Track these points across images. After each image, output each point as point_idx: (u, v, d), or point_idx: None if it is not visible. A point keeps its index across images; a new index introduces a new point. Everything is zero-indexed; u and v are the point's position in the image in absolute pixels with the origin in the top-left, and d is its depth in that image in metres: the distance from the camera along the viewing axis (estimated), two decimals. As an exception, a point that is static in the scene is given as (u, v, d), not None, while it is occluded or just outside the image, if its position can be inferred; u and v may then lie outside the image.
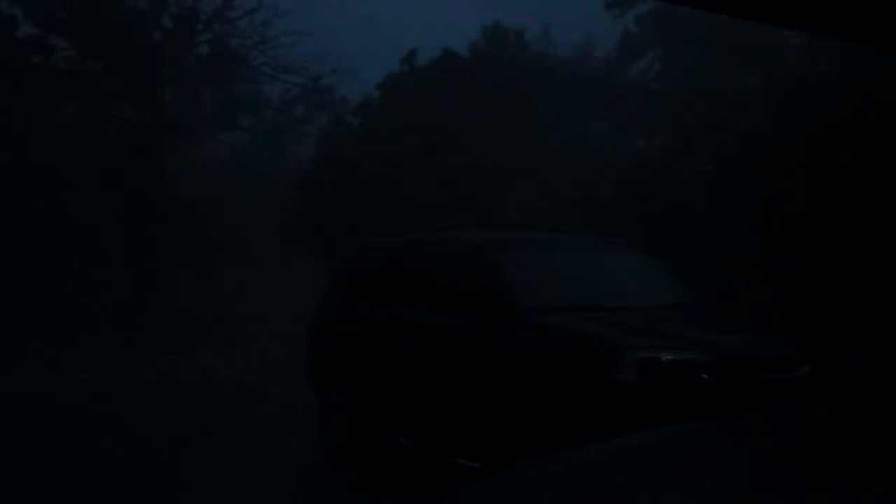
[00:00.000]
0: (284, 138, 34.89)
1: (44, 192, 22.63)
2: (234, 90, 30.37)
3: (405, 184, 22.56)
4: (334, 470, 8.71)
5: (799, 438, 2.45)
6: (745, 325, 7.93)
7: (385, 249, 9.52)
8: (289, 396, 10.92)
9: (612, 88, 23.33)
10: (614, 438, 2.78)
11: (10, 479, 8.04)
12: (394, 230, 15.02)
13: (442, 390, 7.42)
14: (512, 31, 26.53)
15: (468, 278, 7.45)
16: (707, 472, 2.26)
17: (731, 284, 13.99)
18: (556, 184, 20.06)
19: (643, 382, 6.02)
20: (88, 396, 12.33)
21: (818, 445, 2.36)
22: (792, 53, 16.97)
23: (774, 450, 2.36)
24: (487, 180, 21.15)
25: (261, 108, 31.79)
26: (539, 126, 22.39)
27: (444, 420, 7.41)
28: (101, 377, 13.87)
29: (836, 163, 14.19)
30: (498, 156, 21.44)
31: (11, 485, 7.90)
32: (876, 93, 13.86)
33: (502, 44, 26.22)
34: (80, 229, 23.20)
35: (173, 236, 25.16)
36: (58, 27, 25.73)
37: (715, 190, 17.63)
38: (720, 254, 15.47)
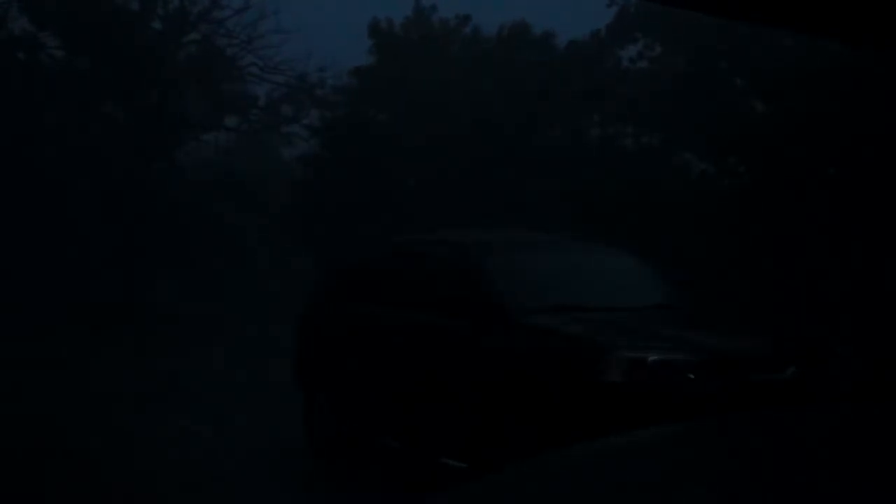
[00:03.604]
0: (271, 138, 34.82)
1: (31, 192, 22.53)
2: (221, 90, 30.28)
3: (397, 181, 22.56)
4: (321, 470, 8.69)
5: (787, 438, 2.45)
6: (733, 325, 7.96)
7: (373, 249, 9.54)
8: (279, 395, 10.89)
9: (602, 82, 23.21)
10: (601, 439, 2.78)
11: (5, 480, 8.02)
12: (386, 230, 15.00)
13: (429, 390, 7.42)
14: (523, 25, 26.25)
15: (455, 279, 7.46)
16: (696, 473, 2.26)
17: (718, 284, 14.01)
18: (547, 180, 20.04)
19: (630, 382, 6.03)
20: (78, 395, 12.31)
21: (807, 445, 2.36)
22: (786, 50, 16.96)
23: (763, 450, 2.35)
24: (481, 175, 21.08)
25: (247, 108, 31.71)
26: (532, 119, 22.27)
27: (431, 420, 7.41)
28: (92, 377, 13.82)
29: (829, 160, 14.24)
30: (493, 150, 21.34)
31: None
32: (873, 88, 13.89)
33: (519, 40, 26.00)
34: (66, 229, 23.11)
35: (161, 236, 25.09)
36: (49, 24, 25.65)
37: (703, 188, 17.67)
38: (708, 253, 15.50)
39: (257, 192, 27.87)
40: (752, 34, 17.25)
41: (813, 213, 14.37)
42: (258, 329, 18.42)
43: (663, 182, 18.31)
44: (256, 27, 29.64)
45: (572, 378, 6.20)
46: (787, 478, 2.07)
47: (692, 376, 6.10)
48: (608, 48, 25.06)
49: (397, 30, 26.97)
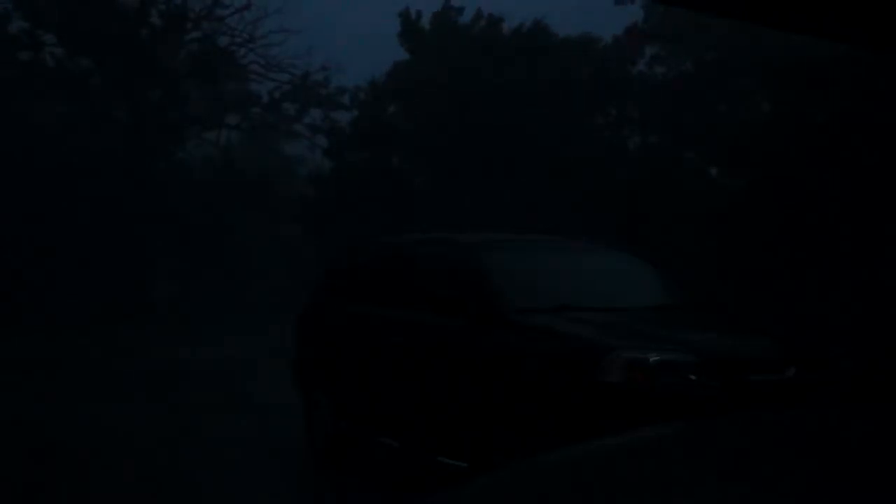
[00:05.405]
0: (274, 136, 34.86)
1: (33, 191, 22.55)
2: (223, 88, 30.32)
3: (415, 179, 22.57)
4: (319, 470, 8.70)
5: (787, 438, 2.45)
6: (733, 325, 7.94)
7: (371, 248, 9.54)
8: (276, 396, 10.92)
9: (612, 83, 23.16)
10: (600, 439, 2.77)
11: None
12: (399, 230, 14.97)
13: (427, 390, 7.42)
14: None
15: (453, 278, 7.45)
16: (696, 473, 2.26)
17: (719, 284, 14.02)
18: (551, 181, 20.04)
19: (629, 383, 6.01)
20: (80, 394, 12.37)
21: (807, 445, 2.36)
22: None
23: (763, 450, 2.35)
24: (497, 175, 21.03)
25: (249, 107, 31.76)
26: (542, 119, 22.19)
27: (430, 419, 7.41)
28: (94, 375, 13.88)
29: (833, 161, 14.23)
30: (509, 150, 21.26)
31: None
32: (876, 89, 13.87)
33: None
34: (69, 228, 23.13)
35: (163, 235, 25.12)
36: (47, 23, 25.66)
37: (706, 188, 17.67)
38: (710, 253, 15.50)
39: (261, 189, 27.94)
40: (759, 36, 17.25)
41: (815, 213, 14.37)
42: (261, 327, 18.46)
43: (667, 183, 18.32)
44: (258, 26, 29.69)
45: (572, 378, 6.18)
46: (787, 478, 2.07)
47: (693, 377, 6.08)
48: (619, 53, 25.05)
49: (426, 25, 26.72)
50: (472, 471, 6.36)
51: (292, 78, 30.75)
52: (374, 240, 10.21)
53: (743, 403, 5.90)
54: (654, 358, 6.11)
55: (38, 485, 7.87)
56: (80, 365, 14.82)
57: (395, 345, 7.86)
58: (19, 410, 10.98)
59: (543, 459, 2.68)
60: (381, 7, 27.85)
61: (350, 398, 8.57)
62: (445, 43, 25.41)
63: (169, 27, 27.63)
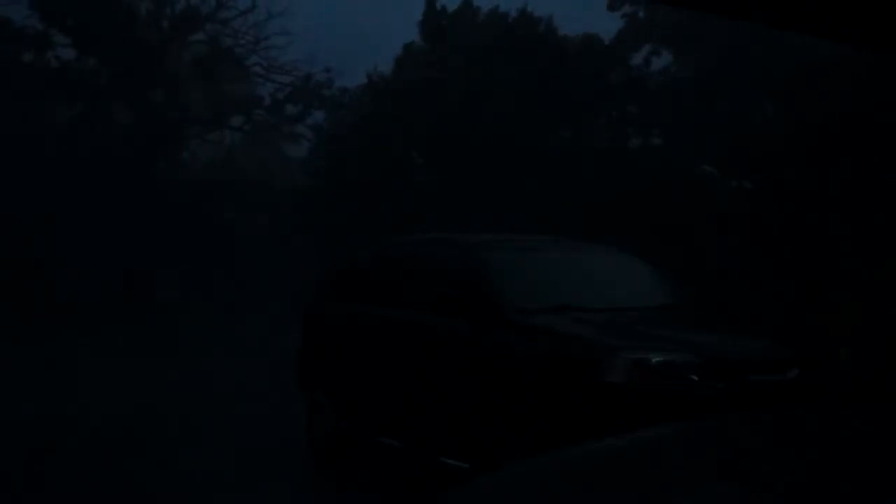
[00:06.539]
0: (276, 138, 34.86)
1: (33, 192, 22.57)
2: (226, 90, 30.34)
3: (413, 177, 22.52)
4: (320, 470, 8.70)
5: (787, 438, 2.45)
6: (735, 326, 7.94)
7: (372, 249, 9.55)
8: (276, 396, 10.92)
9: (611, 84, 23.06)
10: (602, 439, 2.78)
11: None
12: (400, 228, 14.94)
13: (429, 390, 7.42)
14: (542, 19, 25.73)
15: (455, 279, 7.45)
16: (696, 473, 2.26)
17: (721, 285, 14.01)
18: (554, 183, 20.02)
19: (631, 383, 6.01)
20: (82, 391, 12.39)
21: (807, 445, 2.36)
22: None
23: (763, 450, 2.35)
24: (495, 176, 20.98)
25: (252, 108, 31.78)
26: (544, 120, 22.08)
27: (431, 420, 7.41)
28: (96, 372, 13.89)
29: (832, 162, 14.23)
30: (509, 150, 21.19)
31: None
32: (876, 89, 13.87)
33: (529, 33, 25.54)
34: (70, 229, 23.16)
35: (165, 235, 25.14)
36: (57, 24, 25.69)
37: (706, 189, 17.66)
38: (710, 255, 15.49)
39: (263, 190, 27.95)
40: (762, 37, 17.23)
41: (815, 213, 14.37)
42: (262, 327, 18.48)
43: (667, 183, 18.31)
44: (262, 28, 29.73)
45: (574, 378, 6.18)
46: (787, 478, 2.07)
47: (695, 377, 6.08)
48: (619, 52, 24.92)
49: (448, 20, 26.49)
50: (473, 471, 6.35)
51: (294, 80, 30.79)
52: (374, 240, 10.21)
53: (744, 404, 5.90)
54: (656, 358, 6.11)
55: (38, 485, 7.88)
56: (80, 365, 14.81)
57: (395, 345, 7.87)
58: (19, 410, 10.98)
59: (543, 459, 2.68)
60: (382, 9, 27.82)
61: (351, 398, 8.57)
62: (458, 41, 25.29)
63: (174, 29, 27.67)
